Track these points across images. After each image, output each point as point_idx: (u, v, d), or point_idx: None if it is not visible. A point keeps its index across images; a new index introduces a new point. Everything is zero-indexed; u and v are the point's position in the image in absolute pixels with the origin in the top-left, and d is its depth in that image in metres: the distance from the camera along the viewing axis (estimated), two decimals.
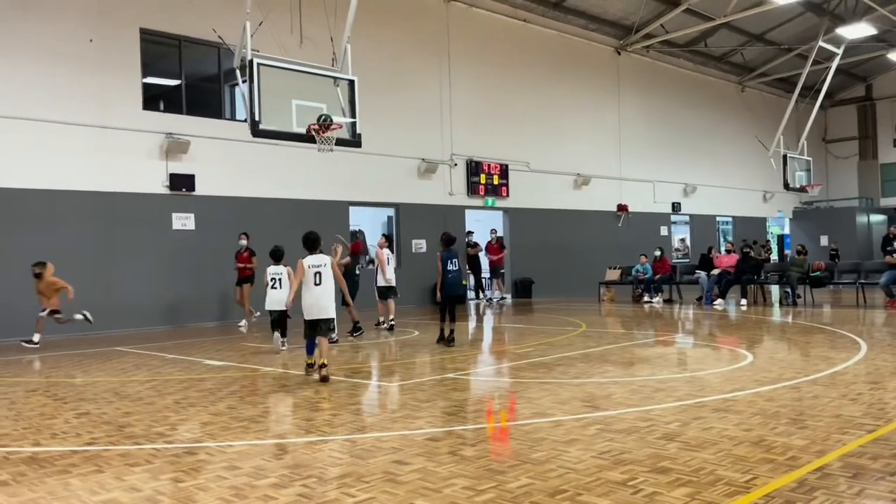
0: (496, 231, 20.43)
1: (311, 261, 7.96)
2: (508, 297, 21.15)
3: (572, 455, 4.76)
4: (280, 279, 10.40)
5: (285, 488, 4.22)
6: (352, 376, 8.39)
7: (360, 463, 4.70)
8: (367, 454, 4.91)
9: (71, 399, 7.29)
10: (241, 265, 13.86)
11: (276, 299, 10.22)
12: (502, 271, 20.20)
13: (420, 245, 19.57)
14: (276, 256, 10.57)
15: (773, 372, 7.81)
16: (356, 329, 11.79)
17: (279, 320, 10.47)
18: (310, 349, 8.23)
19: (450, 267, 10.57)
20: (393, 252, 13.49)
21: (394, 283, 12.92)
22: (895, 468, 4.32)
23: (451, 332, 10.63)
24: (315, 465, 4.70)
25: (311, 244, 8.06)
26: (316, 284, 7.87)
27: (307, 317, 7.98)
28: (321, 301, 7.89)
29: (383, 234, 14.25)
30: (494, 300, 19.67)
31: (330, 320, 8.07)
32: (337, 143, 11.73)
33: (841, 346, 9.60)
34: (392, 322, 12.87)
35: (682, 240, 28.04)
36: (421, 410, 6.31)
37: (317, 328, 7.95)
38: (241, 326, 13.75)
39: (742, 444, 4.93)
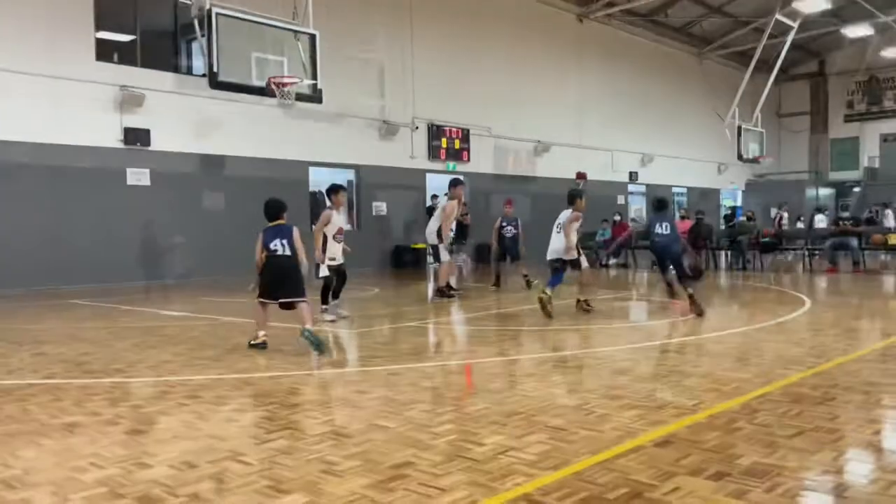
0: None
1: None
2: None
3: (528, 386, 4.92)
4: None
5: (248, 412, 4.29)
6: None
7: (322, 392, 4.78)
8: (329, 386, 5.00)
9: (27, 342, 7.20)
10: None
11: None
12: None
13: (380, 208, 19.53)
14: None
15: (722, 322, 8.09)
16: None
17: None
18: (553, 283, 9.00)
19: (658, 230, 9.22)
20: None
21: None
22: (833, 395, 4.57)
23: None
24: (277, 393, 4.76)
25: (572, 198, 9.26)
26: (557, 233, 8.98)
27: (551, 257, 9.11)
28: (556, 245, 9.01)
29: None
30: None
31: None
32: (297, 99, 11.63)
33: (787, 302, 9.96)
34: None
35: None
36: (381, 351, 6.41)
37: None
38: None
39: (691, 377, 5.14)
